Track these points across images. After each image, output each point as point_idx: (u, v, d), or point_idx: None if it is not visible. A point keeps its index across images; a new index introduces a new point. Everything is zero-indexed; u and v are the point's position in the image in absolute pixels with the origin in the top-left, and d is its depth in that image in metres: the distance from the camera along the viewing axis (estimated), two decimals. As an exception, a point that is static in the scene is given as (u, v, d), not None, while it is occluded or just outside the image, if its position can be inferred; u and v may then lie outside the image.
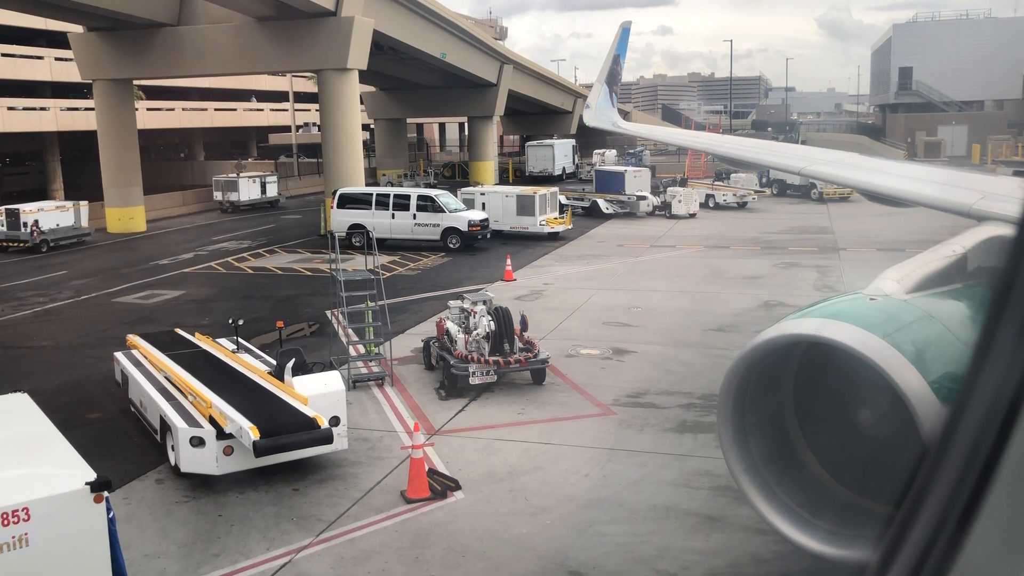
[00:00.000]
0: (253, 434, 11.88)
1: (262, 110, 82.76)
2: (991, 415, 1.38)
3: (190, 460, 12.58)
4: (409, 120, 76.33)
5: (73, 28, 43.69)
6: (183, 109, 72.06)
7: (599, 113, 27.02)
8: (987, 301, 1.47)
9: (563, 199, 42.58)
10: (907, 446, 7.00)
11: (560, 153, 69.94)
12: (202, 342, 17.41)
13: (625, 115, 56.88)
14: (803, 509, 7.86)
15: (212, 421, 12.61)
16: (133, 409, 15.75)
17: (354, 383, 17.08)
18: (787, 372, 8.25)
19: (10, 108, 55.52)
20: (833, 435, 8.19)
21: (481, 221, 35.45)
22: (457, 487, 12.47)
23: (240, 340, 17.09)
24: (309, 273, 30.90)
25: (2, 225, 37.57)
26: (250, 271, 31.97)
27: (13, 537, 8.32)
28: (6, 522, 8.24)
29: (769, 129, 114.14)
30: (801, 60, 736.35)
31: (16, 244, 37.28)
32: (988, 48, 78.69)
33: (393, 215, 35.52)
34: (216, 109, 75.68)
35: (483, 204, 38.24)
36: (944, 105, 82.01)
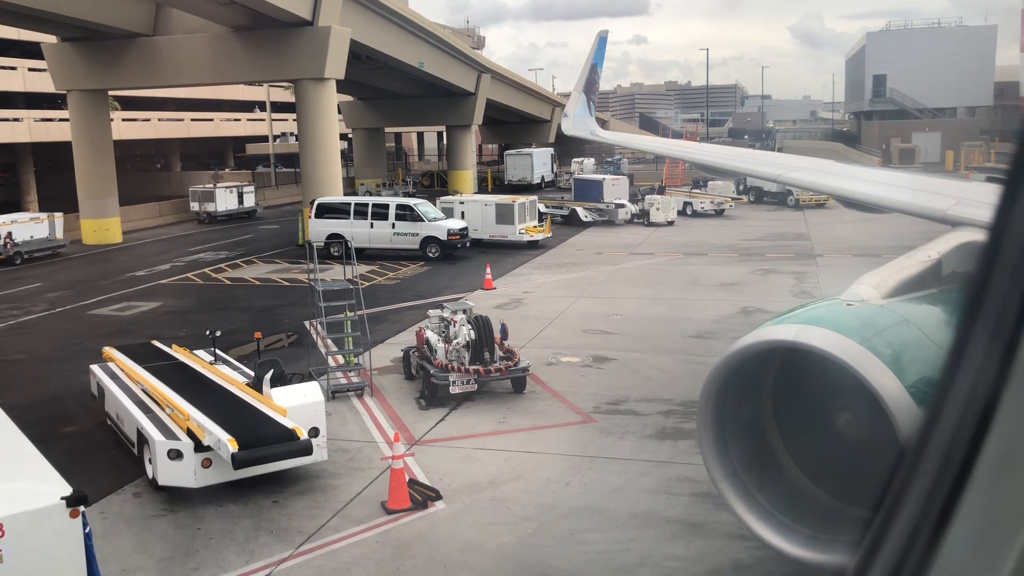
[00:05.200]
0: (231, 446, 11.78)
1: (239, 120, 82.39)
2: (966, 417, 1.39)
3: (168, 473, 12.46)
4: (387, 129, 76.22)
5: (46, 38, 43.32)
6: (159, 119, 71.61)
7: (577, 122, 27.12)
8: (961, 305, 1.48)
9: (542, 207, 42.68)
10: (885, 450, 7.05)
11: (539, 162, 70.13)
12: (179, 354, 17.27)
13: (603, 124, 56.95)
14: (783, 514, 7.89)
15: (190, 433, 12.51)
16: (109, 422, 15.59)
17: (333, 394, 17.00)
18: (766, 378, 8.29)
19: (-17, 119, 55.02)
20: (812, 440, 8.24)
21: (460, 230, 35.45)
22: (438, 497, 12.43)
23: (218, 352, 16.97)
24: (287, 283, 30.75)
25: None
26: (227, 282, 31.77)
27: (-13, 554, 8.20)
28: (-20, 539, 8.12)
29: (746, 137, 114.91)
30: (776, 68, 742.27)
31: (-11, 257, 36.86)
32: (960, 55, 79.63)
33: (372, 224, 35.44)
34: (192, 119, 75.29)
35: (462, 213, 38.26)
36: (918, 112, 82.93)
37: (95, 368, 16.90)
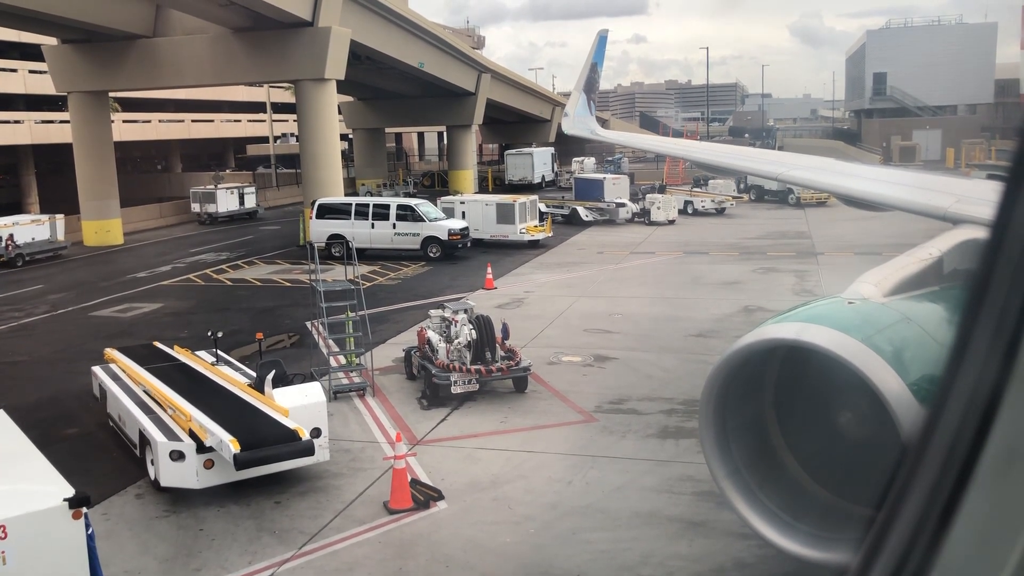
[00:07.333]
0: (233, 447, 11.79)
1: (239, 121, 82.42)
2: (968, 415, 1.39)
3: (170, 474, 12.47)
4: (388, 130, 76.20)
5: (47, 40, 43.35)
6: (160, 121, 71.64)
7: (578, 121, 27.10)
8: (963, 303, 1.48)
9: (543, 207, 42.67)
10: (887, 448, 7.04)
11: (539, 161, 70.09)
12: (181, 355, 17.28)
13: (603, 123, 56.89)
14: (785, 512, 7.89)
15: (192, 435, 12.51)
16: (112, 423, 15.60)
17: (335, 394, 17.00)
18: (767, 376, 8.29)
19: (-17, 121, 55.04)
20: (814, 438, 8.23)
21: (461, 230, 35.44)
22: (440, 497, 12.43)
23: (219, 352, 16.97)
24: (288, 284, 30.75)
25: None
26: (229, 283, 31.78)
27: (-10, 556, 8.20)
28: (-18, 540, 8.13)
29: (746, 135, 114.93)
30: (776, 67, 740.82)
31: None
32: (960, 53, 79.62)
33: (373, 225, 35.44)
34: (193, 120, 75.31)
35: (463, 213, 38.26)
36: (918, 110, 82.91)
37: (97, 369, 16.91)
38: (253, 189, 56.33)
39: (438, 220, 35.58)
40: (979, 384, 1.39)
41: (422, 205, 36.41)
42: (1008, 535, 1.33)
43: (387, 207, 36.15)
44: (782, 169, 16.74)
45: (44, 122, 58.59)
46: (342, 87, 46.00)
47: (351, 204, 37.00)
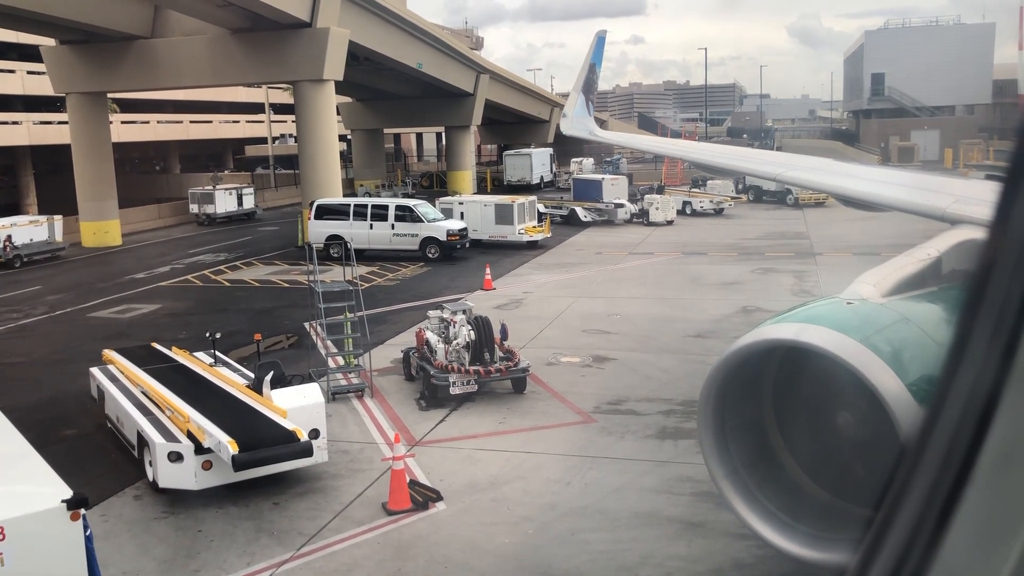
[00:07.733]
0: (232, 448, 11.78)
1: (238, 122, 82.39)
2: (967, 415, 1.39)
3: (168, 475, 12.46)
4: (386, 130, 76.20)
5: (45, 41, 43.32)
6: (158, 122, 71.61)
7: (576, 122, 27.10)
8: (961, 303, 1.48)
9: (541, 208, 42.69)
10: (885, 448, 7.04)
11: (538, 162, 70.12)
12: (179, 356, 17.28)
13: (602, 123, 56.81)
14: (784, 513, 7.89)
15: (190, 436, 12.51)
16: (110, 425, 15.59)
17: (333, 395, 16.99)
18: (766, 377, 8.29)
19: (-19, 122, 54.98)
20: (812, 438, 8.23)
21: (460, 231, 35.45)
22: (439, 498, 12.43)
23: (218, 353, 16.97)
24: (287, 285, 30.74)
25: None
26: (227, 284, 31.76)
27: (-12, 557, 8.19)
28: (-20, 542, 8.12)
29: (744, 136, 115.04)
30: (774, 67, 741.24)
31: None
32: (958, 54, 79.66)
33: (371, 225, 35.44)
34: (191, 121, 75.26)
35: (462, 213, 38.26)
36: (916, 110, 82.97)
37: (95, 371, 16.90)
38: (251, 190, 56.32)
39: (436, 221, 35.58)
40: (977, 384, 1.39)
41: (420, 206, 36.41)
42: (1006, 535, 1.33)
43: (385, 208, 36.16)
44: (780, 170, 16.75)
45: (42, 123, 58.54)
46: (340, 88, 46.00)
47: (349, 205, 37.01)
